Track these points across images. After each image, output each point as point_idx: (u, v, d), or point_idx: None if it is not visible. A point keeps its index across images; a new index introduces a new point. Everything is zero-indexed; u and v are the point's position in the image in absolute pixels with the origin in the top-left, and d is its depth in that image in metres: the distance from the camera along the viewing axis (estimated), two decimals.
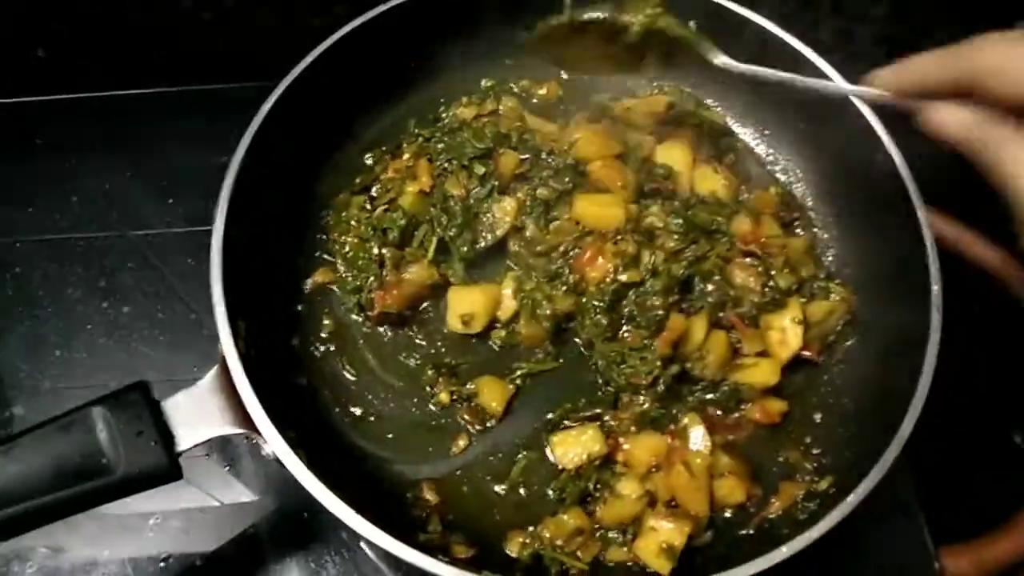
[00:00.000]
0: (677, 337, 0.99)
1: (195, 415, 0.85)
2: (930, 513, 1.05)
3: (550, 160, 1.08)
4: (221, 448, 1.09)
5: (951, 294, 0.92)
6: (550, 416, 1.00)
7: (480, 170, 1.07)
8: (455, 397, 1.01)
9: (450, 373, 1.03)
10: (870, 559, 1.03)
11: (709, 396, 1.01)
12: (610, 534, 0.94)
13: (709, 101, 1.21)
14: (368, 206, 1.10)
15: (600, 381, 1.02)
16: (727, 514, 0.96)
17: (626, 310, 1.01)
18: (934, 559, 1.02)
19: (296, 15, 1.33)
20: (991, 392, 1.19)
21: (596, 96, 1.20)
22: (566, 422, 1.00)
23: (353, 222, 1.09)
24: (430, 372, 1.02)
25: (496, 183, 1.07)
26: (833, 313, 1.03)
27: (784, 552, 0.80)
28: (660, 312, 0.99)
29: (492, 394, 1.00)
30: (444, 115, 1.17)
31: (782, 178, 1.18)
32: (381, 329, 1.06)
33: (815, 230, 1.13)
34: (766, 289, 1.02)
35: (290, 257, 1.09)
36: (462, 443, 0.99)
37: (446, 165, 1.09)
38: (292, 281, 1.08)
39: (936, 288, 0.92)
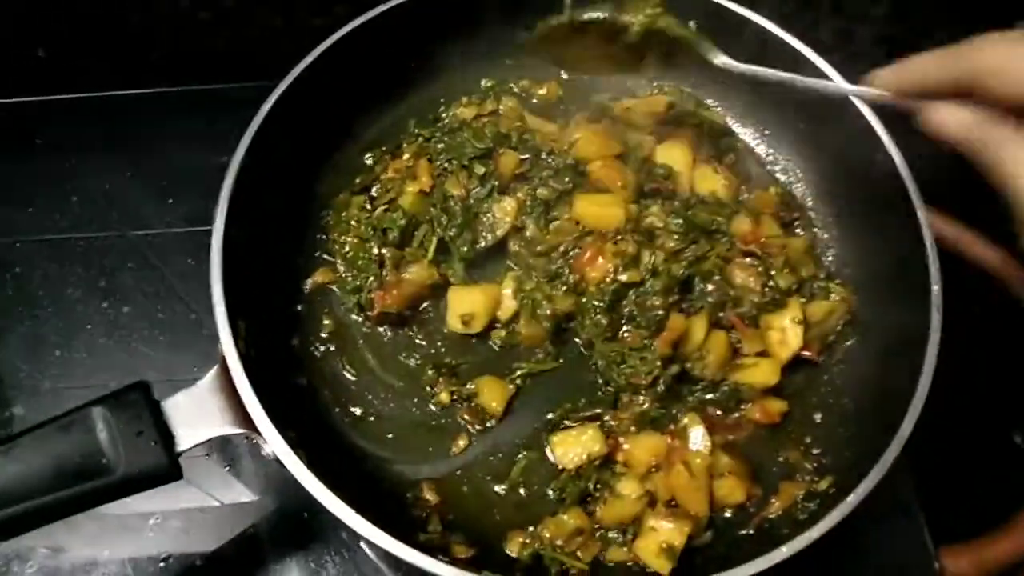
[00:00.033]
0: (677, 337, 0.99)
1: (195, 415, 0.85)
2: (930, 513, 1.05)
3: (550, 160, 1.08)
4: (221, 448, 1.09)
5: (951, 294, 0.92)
6: (550, 416, 1.00)
7: (480, 170, 1.07)
8: (455, 397, 1.01)
9: (450, 373, 1.03)
10: (870, 559, 1.03)
11: (709, 396, 1.01)
12: (610, 534, 0.94)
13: (709, 101, 1.21)
14: (368, 206, 1.10)
15: (600, 381, 1.02)
16: (727, 514, 0.96)
17: (626, 310, 1.01)
18: (934, 559, 1.02)
19: (296, 15, 1.33)
20: (991, 392, 1.19)
21: (596, 96, 1.20)
22: (566, 422, 1.00)
23: (353, 222, 1.09)
24: (430, 372, 1.02)
25: (496, 183, 1.07)
26: (833, 313, 1.03)
27: (784, 552, 0.80)
28: (660, 312, 0.99)
29: (492, 394, 1.00)
30: (444, 115, 1.17)
31: (782, 178, 1.18)
32: (381, 329, 1.06)
33: (815, 230, 1.13)
34: (766, 289, 1.02)
35: (290, 257, 1.09)
36: (462, 443, 0.99)
37: (446, 165, 1.09)
38: (292, 281, 1.08)
39: (936, 288, 0.92)
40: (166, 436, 0.83)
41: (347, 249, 1.07)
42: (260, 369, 0.87)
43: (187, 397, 0.86)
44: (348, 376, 1.04)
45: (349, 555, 1.02)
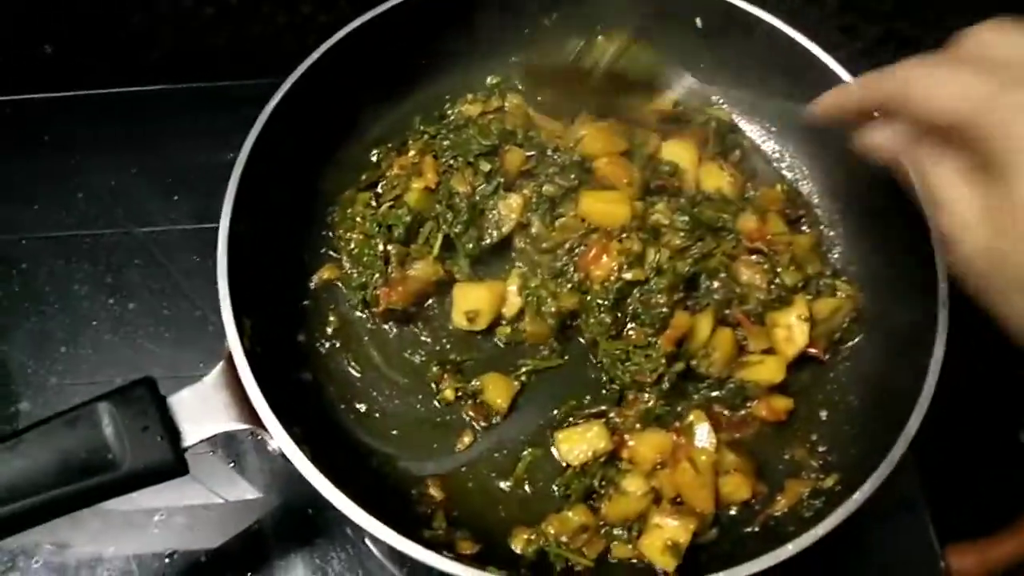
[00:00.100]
0: (681, 335, 0.98)
1: (201, 411, 0.85)
2: (936, 511, 1.05)
3: (556, 157, 1.08)
4: (226, 445, 1.09)
5: (958, 291, 0.92)
6: (555, 413, 1.00)
7: (486, 167, 1.07)
8: (460, 394, 1.01)
9: (455, 370, 1.03)
10: (876, 557, 1.02)
11: (715, 394, 1.01)
12: (615, 531, 0.94)
13: (715, 98, 1.21)
14: (374, 203, 1.10)
15: (605, 378, 1.02)
16: (732, 511, 0.95)
17: (630, 308, 1.01)
18: (940, 557, 1.02)
19: (301, 12, 1.33)
20: (998, 390, 1.19)
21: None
22: (571, 419, 1.00)
23: (358, 219, 1.09)
24: (435, 369, 1.02)
25: (502, 180, 1.07)
26: (839, 310, 1.03)
27: (790, 549, 0.80)
28: (665, 310, 0.99)
29: (497, 391, 1.00)
30: (450, 112, 1.17)
31: (788, 175, 1.18)
32: (386, 326, 1.06)
33: (821, 227, 1.13)
34: (772, 286, 1.02)
35: (295, 254, 1.09)
36: (467, 440, 0.99)
37: (451, 162, 1.09)
38: (298, 278, 1.08)
39: (943, 285, 0.92)
40: (172, 432, 0.83)
41: (352, 246, 1.07)
42: (265, 365, 0.87)
43: (192, 393, 0.86)
44: (353, 372, 1.04)
45: (354, 551, 1.02)
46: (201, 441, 0.84)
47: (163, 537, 1.03)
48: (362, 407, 1.02)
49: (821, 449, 0.99)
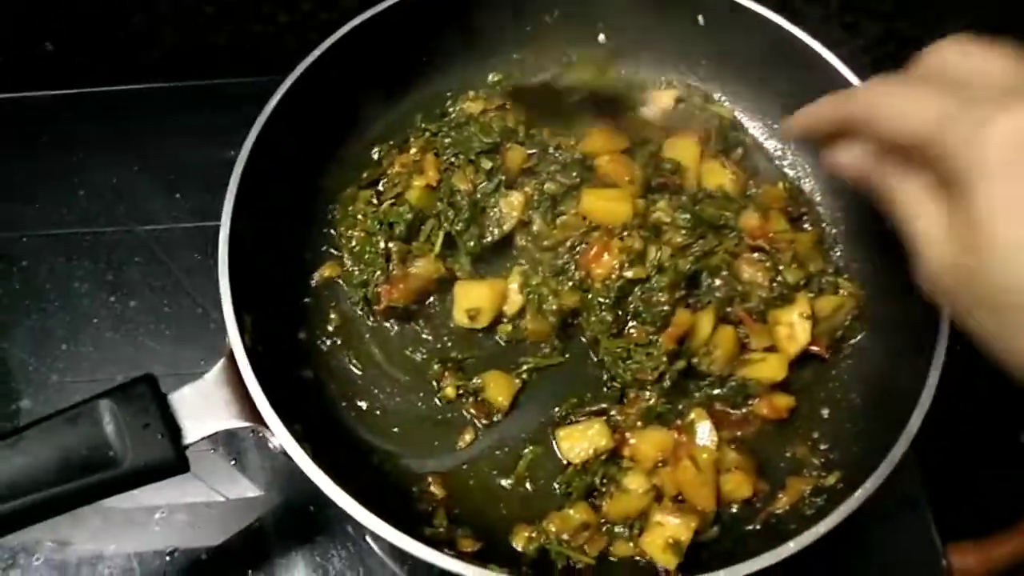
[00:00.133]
0: (682, 333, 0.98)
1: (202, 408, 0.85)
2: (937, 509, 1.05)
3: (557, 155, 1.08)
4: (227, 443, 1.09)
5: None
6: (556, 411, 1.00)
7: (487, 165, 1.07)
8: (461, 391, 1.01)
9: (456, 367, 1.02)
10: (877, 555, 1.02)
11: (716, 391, 1.00)
12: (616, 529, 0.94)
13: (717, 95, 1.21)
14: (375, 200, 1.10)
15: (606, 376, 1.02)
16: (734, 509, 0.95)
17: (632, 306, 1.01)
18: (941, 555, 1.02)
19: (302, 9, 1.33)
20: (999, 389, 1.18)
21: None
22: (572, 417, 1.00)
23: (360, 216, 1.08)
24: (436, 366, 1.02)
25: (503, 178, 1.07)
26: (841, 308, 1.03)
27: (791, 547, 0.79)
28: (666, 308, 0.99)
29: (498, 388, 1.00)
30: (451, 109, 1.17)
31: (790, 173, 1.18)
32: (387, 323, 1.06)
33: (823, 225, 1.12)
34: (774, 284, 1.02)
35: (297, 251, 1.09)
36: (468, 437, 0.99)
37: (453, 160, 1.09)
38: (299, 275, 1.08)
39: None
40: (173, 429, 0.83)
41: (354, 243, 1.07)
42: (266, 363, 0.87)
43: (194, 390, 0.86)
44: (354, 370, 1.04)
45: (355, 549, 1.02)
46: (202, 439, 0.84)
47: (164, 535, 1.03)
48: (363, 405, 1.02)
49: (823, 447, 0.99)
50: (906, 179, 0.69)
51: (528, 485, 0.97)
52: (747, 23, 1.10)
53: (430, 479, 0.96)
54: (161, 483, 0.83)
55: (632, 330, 1.01)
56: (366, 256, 1.05)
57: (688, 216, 1.04)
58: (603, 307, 1.00)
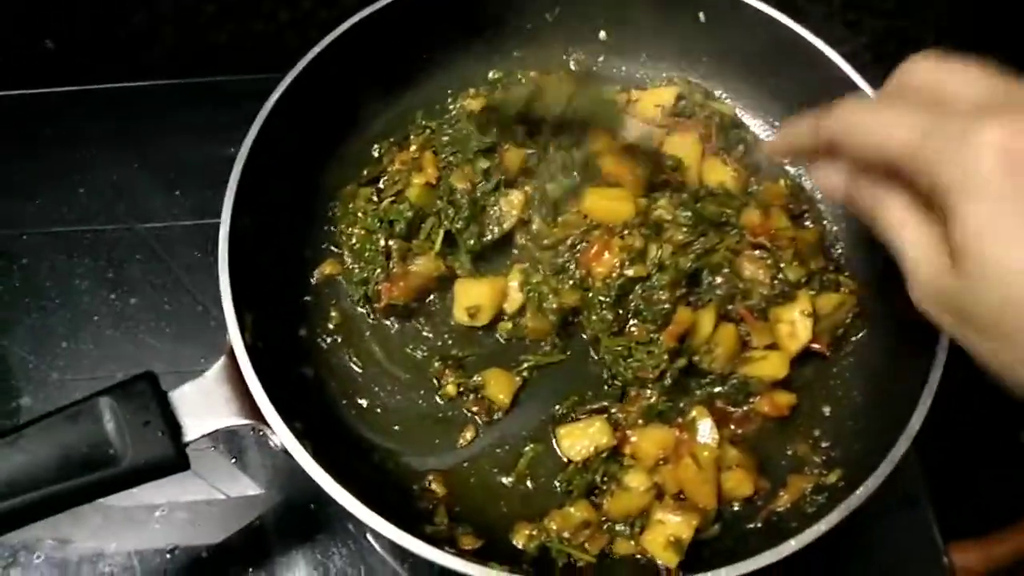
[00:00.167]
0: (683, 331, 0.98)
1: (202, 406, 0.85)
2: (939, 507, 1.05)
3: (557, 155, 1.08)
4: (227, 440, 1.09)
5: None
6: (557, 408, 1.00)
7: (484, 164, 1.07)
8: (462, 389, 1.01)
9: (457, 365, 1.02)
10: (878, 553, 1.02)
11: (717, 389, 1.00)
12: (617, 527, 0.93)
13: (718, 92, 1.20)
14: (375, 198, 1.09)
15: (607, 375, 1.01)
16: (735, 507, 0.95)
17: (632, 304, 1.01)
18: (942, 553, 1.01)
19: (302, 7, 1.33)
20: (1001, 388, 1.18)
21: (604, 88, 1.19)
22: (573, 414, 0.99)
23: (360, 214, 1.08)
24: (437, 364, 1.02)
25: (502, 177, 1.06)
26: (843, 305, 1.02)
27: (792, 545, 0.79)
28: (667, 306, 0.99)
29: (499, 386, 1.00)
30: (452, 106, 1.17)
31: (792, 170, 1.17)
32: (388, 321, 1.06)
33: (825, 222, 1.12)
34: (775, 281, 1.01)
35: (297, 249, 1.09)
36: (469, 435, 0.99)
37: (451, 159, 1.09)
38: (299, 273, 1.08)
39: None
40: (173, 426, 0.82)
41: (354, 241, 1.07)
42: (267, 360, 0.87)
43: (194, 388, 0.85)
44: (355, 368, 1.03)
45: (355, 547, 1.02)
46: (202, 436, 0.84)
47: (164, 533, 1.03)
48: (364, 402, 1.01)
49: (824, 445, 0.99)
50: (889, 197, 0.68)
51: (529, 483, 0.97)
52: (748, 20, 1.10)
53: (431, 477, 0.96)
54: (161, 481, 0.82)
55: (633, 328, 1.00)
56: (366, 254, 1.05)
57: (689, 213, 1.03)
58: (604, 306, 1.00)
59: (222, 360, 0.87)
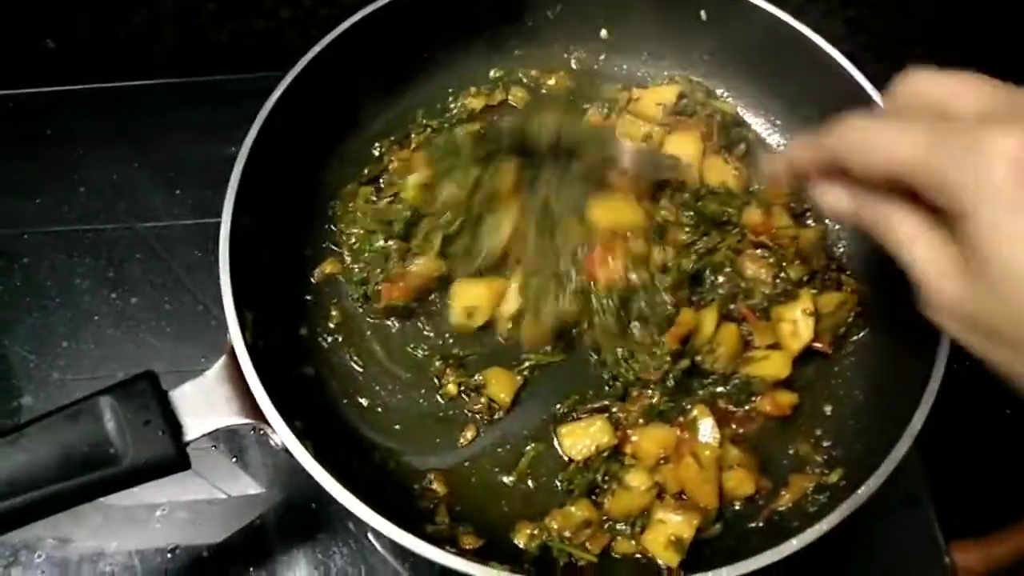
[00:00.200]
0: (687, 332, 0.98)
1: (203, 405, 0.85)
2: (940, 507, 1.05)
3: (557, 162, 1.07)
4: (228, 440, 1.08)
5: None
6: (558, 408, 1.00)
7: (475, 172, 1.04)
8: (463, 388, 1.01)
9: (458, 364, 1.02)
10: (880, 552, 1.02)
11: (720, 389, 1.00)
12: (618, 526, 0.93)
13: (720, 91, 1.20)
14: (374, 197, 1.09)
15: (608, 375, 1.01)
16: (736, 507, 0.95)
17: (635, 308, 1.00)
18: (944, 553, 1.01)
19: (303, 5, 1.33)
20: (1002, 387, 1.18)
21: (606, 86, 1.19)
22: (574, 414, 0.99)
23: (359, 213, 1.08)
24: (438, 363, 1.02)
25: (497, 188, 1.05)
26: (844, 305, 1.02)
27: (794, 545, 0.79)
28: (670, 309, 0.98)
29: (500, 385, 1.00)
30: (453, 105, 1.17)
31: None
32: (388, 320, 1.06)
33: (826, 221, 1.12)
34: (777, 281, 1.01)
35: (298, 248, 1.09)
36: (470, 434, 0.99)
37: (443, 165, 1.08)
38: (300, 272, 1.07)
39: None
40: (174, 426, 0.82)
41: (353, 240, 1.07)
42: (268, 359, 0.87)
43: (195, 387, 0.85)
44: (355, 367, 1.03)
45: (356, 546, 1.02)
46: (203, 435, 0.84)
47: (165, 532, 1.03)
48: (364, 402, 1.01)
49: (825, 444, 0.99)
50: (896, 214, 0.67)
51: (530, 482, 0.97)
52: (750, 18, 1.09)
53: (432, 476, 0.96)
54: (162, 480, 0.82)
55: (635, 331, 1.00)
56: (366, 254, 1.05)
57: (691, 213, 1.03)
58: (606, 311, 0.99)
59: (223, 359, 0.87)
